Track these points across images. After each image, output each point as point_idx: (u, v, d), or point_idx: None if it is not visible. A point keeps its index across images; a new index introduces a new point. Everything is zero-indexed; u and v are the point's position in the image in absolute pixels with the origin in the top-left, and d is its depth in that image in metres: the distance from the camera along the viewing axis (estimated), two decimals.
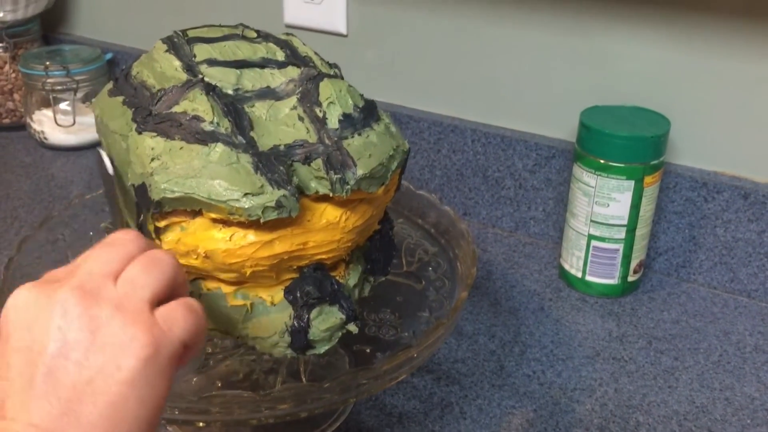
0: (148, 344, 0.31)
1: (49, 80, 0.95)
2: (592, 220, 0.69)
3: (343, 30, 0.86)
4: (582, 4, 0.72)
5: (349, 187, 0.45)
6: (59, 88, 0.96)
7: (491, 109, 0.81)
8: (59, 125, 0.97)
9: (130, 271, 0.33)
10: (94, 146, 1.00)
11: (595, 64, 0.74)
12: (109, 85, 0.53)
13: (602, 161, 0.67)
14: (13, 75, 1.01)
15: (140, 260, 0.34)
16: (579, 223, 0.70)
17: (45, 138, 0.98)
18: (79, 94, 0.98)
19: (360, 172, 0.45)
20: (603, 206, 0.68)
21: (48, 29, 1.09)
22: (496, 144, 0.80)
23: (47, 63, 0.95)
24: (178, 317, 0.33)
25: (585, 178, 0.68)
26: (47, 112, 0.98)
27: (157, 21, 1.01)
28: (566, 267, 0.73)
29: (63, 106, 0.97)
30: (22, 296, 0.31)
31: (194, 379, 0.48)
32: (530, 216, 0.82)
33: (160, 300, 0.34)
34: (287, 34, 0.57)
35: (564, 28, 0.74)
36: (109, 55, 1.02)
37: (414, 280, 0.57)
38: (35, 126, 0.99)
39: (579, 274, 0.72)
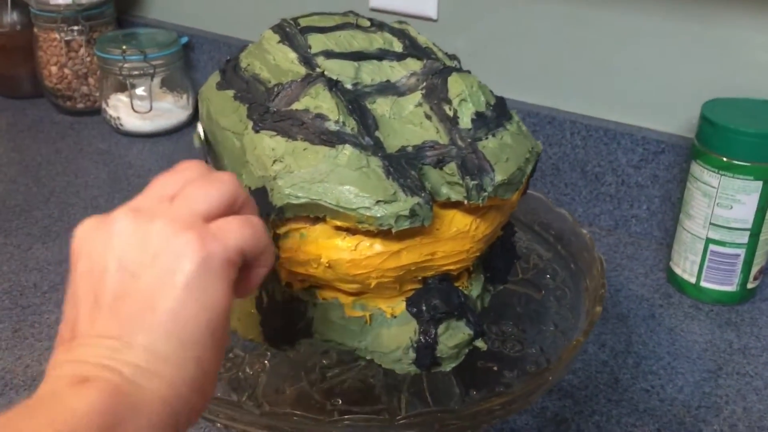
0: (198, 249, 0.30)
1: (126, 65, 0.93)
2: (712, 223, 0.64)
3: (433, 14, 0.82)
4: None
5: (486, 194, 0.41)
6: (136, 73, 0.94)
7: (593, 100, 0.77)
8: (135, 111, 0.95)
9: (187, 190, 0.33)
10: (169, 133, 0.98)
11: (717, 53, 0.68)
12: (216, 77, 0.50)
13: (726, 159, 0.62)
14: (88, 59, 0.99)
15: (197, 180, 0.34)
16: (696, 225, 0.65)
17: (120, 124, 0.96)
18: (155, 80, 0.95)
19: (498, 177, 0.42)
20: (726, 208, 0.63)
21: (122, 12, 1.07)
22: (598, 137, 0.76)
23: (124, 47, 0.93)
24: (233, 227, 0.32)
25: (705, 177, 0.63)
26: (123, 97, 0.96)
27: (233, 3, 0.98)
28: (678, 271, 0.68)
29: (139, 91, 0.95)
30: (84, 226, 0.32)
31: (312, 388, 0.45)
32: (632, 214, 0.77)
33: (218, 216, 0.33)
34: (400, 22, 0.53)
35: (681, 12, 0.69)
36: (184, 39, 0.99)
37: (532, 288, 0.53)
38: (110, 111, 0.97)
39: (693, 280, 0.67)
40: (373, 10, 0.86)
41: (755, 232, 0.64)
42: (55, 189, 0.85)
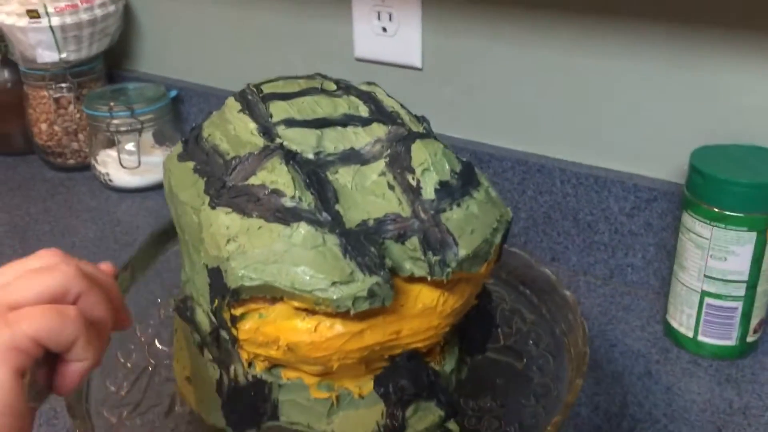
0: None
1: (113, 121, 0.92)
2: (706, 275, 0.62)
3: (418, 63, 0.81)
4: (690, 33, 0.65)
5: (450, 269, 0.39)
6: (124, 129, 0.93)
7: (582, 147, 0.75)
8: (124, 167, 0.94)
9: (14, 280, 0.33)
10: (159, 187, 0.97)
11: (704, 99, 0.66)
12: (179, 148, 0.49)
13: (718, 210, 0.59)
14: (78, 115, 0.99)
15: (32, 271, 0.33)
16: (690, 277, 0.63)
17: (110, 180, 0.95)
18: (145, 134, 0.95)
19: (462, 252, 0.40)
20: (720, 260, 0.60)
21: (111, 66, 1.07)
22: (589, 185, 0.74)
23: (111, 104, 0.92)
24: (34, 314, 0.31)
25: (697, 228, 0.61)
26: (112, 153, 0.95)
27: (222, 56, 0.98)
28: (674, 325, 0.66)
29: (128, 146, 0.94)
30: None
31: None
32: (627, 263, 0.74)
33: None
34: (369, 83, 0.51)
35: (668, 58, 0.67)
36: (173, 93, 0.99)
37: (514, 356, 0.51)
38: (100, 168, 0.96)
39: (690, 334, 0.64)
40: (359, 59, 0.85)
41: (752, 284, 0.61)
42: None
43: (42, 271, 0.33)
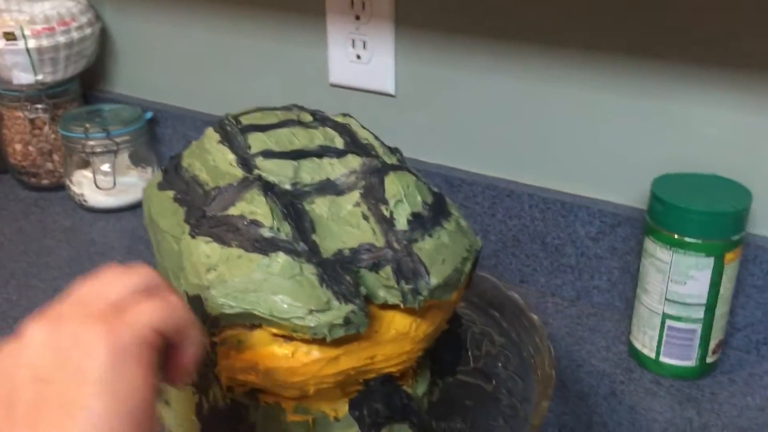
0: (107, 337, 0.29)
1: (89, 143, 0.93)
2: (667, 299, 0.64)
3: (391, 90, 0.83)
4: (652, 64, 0.68)
5: (422, 298, 0.41)
6: (99, 150, 0.94)
7: (550, 173, 0.77)
8: (99, 188, 0.94)
9: (99, 289, 0.33)
10: (134, 208, 0.97)
11: (666, 128, 0.69)
12: (159, 177, 0.50)
13: (678, 237, 0.62)
14: (53, 136, 0.99)
15: (112, 276, 0.33)
16: (652, 300, 0.65)
17: (85, 200, 0.96)
18: (120, 155, 0.95)
19: (434, 281, 0.41)
20: (679, 284, 0.63)
21: (87, 87, 1.07)
22: (556, 210, 0.76)
23: (87, 125, 0.93)
24: (145, 308, 0.31)
25: (659, 253, 0.64)
26: (87, 173, 0.96)
27: (198, 79, 0.99)
28: (638, 346, 0.68)
29: (103, 167, 0.95)
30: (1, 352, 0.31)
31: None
32: (593, 285, 0.77)
33: (132, 304, 0.32)
34: (344, 115, 0.53)
35: (631, 89, 0.70)
36: (149, 114, 0.99)
37: (483, 378, 0.53)
38: (74, 188, 0.96)
39: (652, 355, 0.67)
40: (333, 85, 0.87)
41: (710, 307, 0.64)
42: (16, 271, 0.84)
43: (125, 274, 0.33)
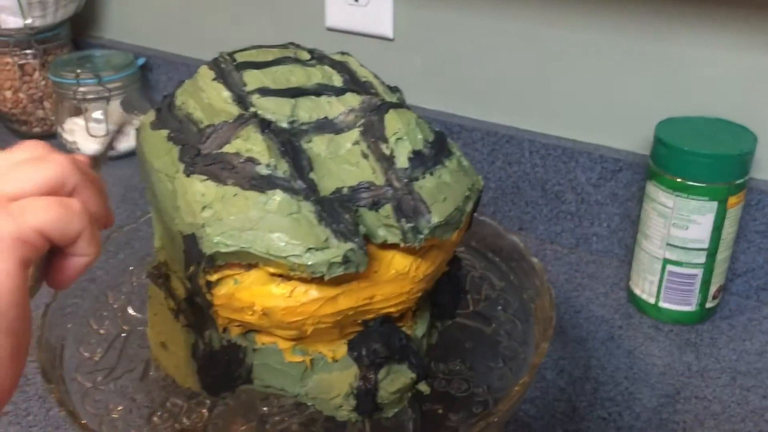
0: None
1: (80, 89, 0.91)
2: (668, 244, 0.63)
3: (389, 33, 0.81)
4: (653, 5, 0.66)
5: (422, 236, 0.40)
6: (91, 96, 0.92)
7: (551, 119, 0.76)
8: (91, 135, 0.93)
9: (8, 171, 0.31)
10: (127, 156, 0.96)
11: (669, 70, 0.68)
12: (151, 116, 0.49)
13: (681, 180, 0.61)
14: (43, 83, 0.97)
15: (25, 161, 0.32)
16: (653, 245, 0.65)
17: (77, 148, 0.94)
18: (113, 102, 0.93)
19: (435, 219, 0.41)
20: (681, 228, 0.62)
21: (77, 33, 1.05)
22: (557, 156, 0.75)
23: (78, 71, 0.91)
24: (36, 207, 0.30)
25: (661, 198, 0.63)
26: (79, 121, 0.94)
27: (191, 24, 0.97)
28: (637, 292, 0.68)
29: (95, 114, 0.93)
30: None
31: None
32: (593, 232, 0.76)
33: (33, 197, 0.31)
34: (343, 53, 0.52)
35: (634, 30, 0.68)
36: (141, 61, 0.97)
37: (482, 321, 0.52)
38: (66, 136, 0.95)
39: (652, 300, 0.67)
40: (330, 29, 0.85)
41: (712, 252, 0.63)
42: None
43: (37, 162, 0.31)
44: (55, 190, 0.31)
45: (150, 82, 1.01)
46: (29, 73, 0.97)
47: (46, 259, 0.32)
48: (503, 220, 0.81)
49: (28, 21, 0.92)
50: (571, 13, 0.70)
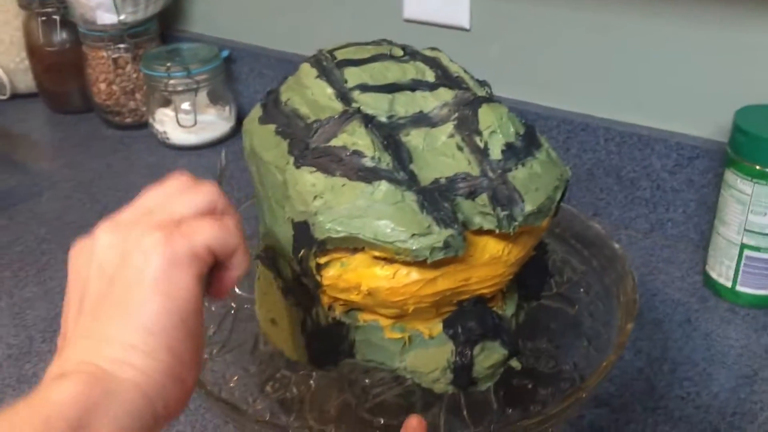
0: (165, 245, 0.33)
1: (171, 81, 0.96)
2: (746, 229, 0.65)
3: (466, 24, 0.84)
4: None
5: (516, 223, 0.43)
6: (180, 88, 0.97)
7: (626, 106, 0.77)
8: (181, 125, 0.98)
9: (166, 201, 0.36)
10: (214, 144, 1.01)
11: (747, 58, 0.69)
12: (258, 111, 0.53)
13: (759, 168, 0.62)
14: (135, 75, 1.03)
15: (178, 191, 0.36)
16: (730, 231, 0.66)
17: (167, 137, 1.00)
18: (199, 94, 0.99)
19: (528, 208, 0.43)
20: (760, 215, 0.64)
21: (164, 27, 1.10)
22: (632, 143, 0.77)
23: (168, 64, 0.96)
24: (202, 226, 0.34)
25: (739, 185, 0.64)
26: (168, 112, 1.00)
27: (271, 17, 1.01)
28: (713, 275, 0.69)
29: (184, 105, 0.98)
30: (74, 246, 0.35)
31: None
32: (668, 218, 0.78)
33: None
34: (433, 49, 0.55)
35: (712, 17, 0.69)
36: (225, 53, 1.02)
37: (566, 303, 0.55)
38: (157, 126, 1.01)
39: (728, 284, 0.68)
40: (407, 20, 0.88)
41: None
42: (108, 204, 0.89)
43: (191, 190, 0.36)
44: (210, 213, 0.36)
45: (233, 73, 1.06)
46: (122, 66, 1.03)
47: (207, 274, 0.36)
48: (577, 206, 0.82)
49: (122, 17, 0.98)
50: (649, 3, 0.72)
